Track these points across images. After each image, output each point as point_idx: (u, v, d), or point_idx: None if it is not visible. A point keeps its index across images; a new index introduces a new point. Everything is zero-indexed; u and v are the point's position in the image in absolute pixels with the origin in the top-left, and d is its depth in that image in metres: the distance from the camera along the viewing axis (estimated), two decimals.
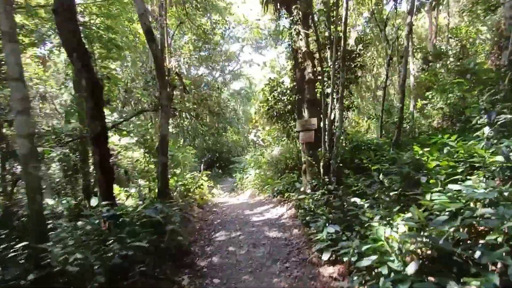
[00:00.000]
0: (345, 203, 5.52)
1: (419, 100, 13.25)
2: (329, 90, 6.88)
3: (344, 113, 7.01)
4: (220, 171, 22.38)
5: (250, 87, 28.62)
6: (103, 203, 4.69)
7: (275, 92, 9.30)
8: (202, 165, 14.49)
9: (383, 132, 11.46)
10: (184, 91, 8.97)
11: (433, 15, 15.60)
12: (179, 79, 8.36)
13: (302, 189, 7.12)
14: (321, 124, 7.24)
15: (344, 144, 8.92)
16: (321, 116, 7.41)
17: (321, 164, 6.77)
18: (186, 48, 9.38)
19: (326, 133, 6.76)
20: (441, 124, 12.51)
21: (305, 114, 7.81)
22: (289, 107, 8.79)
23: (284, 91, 9.05)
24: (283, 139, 11.36)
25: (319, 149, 6.86)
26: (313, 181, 7.02)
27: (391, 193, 4.34)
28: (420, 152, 5.81)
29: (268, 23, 16.72)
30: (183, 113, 10.19)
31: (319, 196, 6.24)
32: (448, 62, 10.03)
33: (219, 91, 18.44)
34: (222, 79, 20.59)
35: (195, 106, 10.11)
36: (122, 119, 7.67)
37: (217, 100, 18.46)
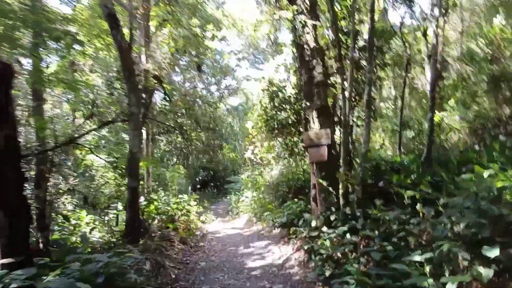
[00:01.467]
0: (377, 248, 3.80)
1: (436, 112, 11.79)
2: (346, 94, 5.30)
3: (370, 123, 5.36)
4: (215, 190, 20.65)
5: (247, 103, 27.29)
6: (3, 261, 2.94)
7: (276, 99, 7.70)
8: (190, 187, 12.65)
9: (402, 149, 9.90)
10: (164, 98, 7.38)
11: (440, 26, 14.49)
12: (157, 82, 6.79)
13: (313, 223, 5.36)
14: (339, 137, 5.61)
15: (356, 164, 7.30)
16: (338, 127, 5.80)
17: (340, 191, 5.05)
18: (164, 44, 7.79)
19: (345, 149, 5.10)
20: (466, 139, 10.96)
21: (315, 125, 6.16)
22: (293, 117, 7.16)
23: (287, 98, 7.45)
24: (285, 157, 9.69)
25: (338, 171, 5.17)
26: (328, 212, 5.28)
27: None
28: (486, 174, 4.16)
29: (267, 29, 15.41)
30: (166, 125, 8.53)
31: (341, 236, 4.50)
32: (477, 67, 8.59)
33: (214, 105, 16.97)
34: (218, 93, 19.16)
35: (178, 115, 8.47)
36: (83, 133, 5.99)
37: (213, 115, 16.94)
